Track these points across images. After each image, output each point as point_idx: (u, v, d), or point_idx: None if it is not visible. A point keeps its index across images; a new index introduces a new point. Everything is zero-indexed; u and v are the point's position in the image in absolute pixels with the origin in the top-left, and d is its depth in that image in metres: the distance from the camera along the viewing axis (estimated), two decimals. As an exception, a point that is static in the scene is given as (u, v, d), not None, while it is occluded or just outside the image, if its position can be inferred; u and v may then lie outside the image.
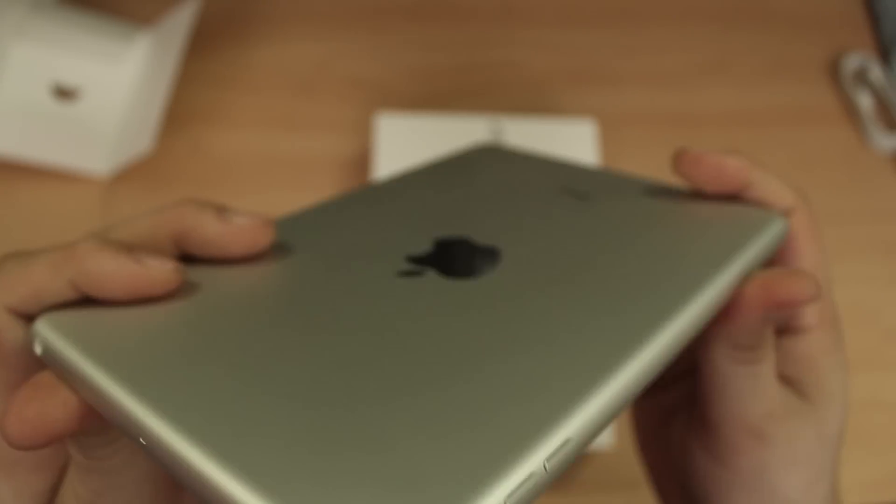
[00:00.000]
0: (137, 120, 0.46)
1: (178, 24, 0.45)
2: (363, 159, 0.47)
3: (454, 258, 0.20)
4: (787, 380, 0.22)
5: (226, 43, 0.51)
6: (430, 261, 0.20)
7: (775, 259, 0.22)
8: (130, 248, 0.16)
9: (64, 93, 0.46)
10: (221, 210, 0.18)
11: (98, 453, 0.17)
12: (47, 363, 0.15)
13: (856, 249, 0.46)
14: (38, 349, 0.15)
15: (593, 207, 0.24)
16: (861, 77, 0.52)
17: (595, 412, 0.14)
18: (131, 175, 0.46)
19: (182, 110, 0.48)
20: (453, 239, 0.21)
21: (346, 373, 0.15)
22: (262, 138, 0.48)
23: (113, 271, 0.16)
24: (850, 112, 0.51)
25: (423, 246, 0.21)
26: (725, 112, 0.51)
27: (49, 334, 0.15)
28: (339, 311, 0.17)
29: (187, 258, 0.19)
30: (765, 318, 0.19)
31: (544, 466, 0.13)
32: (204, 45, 0.51)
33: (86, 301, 0.16)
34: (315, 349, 0.16)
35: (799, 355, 0.22)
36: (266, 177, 0.47)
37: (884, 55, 0.53)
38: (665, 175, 0.48)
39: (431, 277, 0.19)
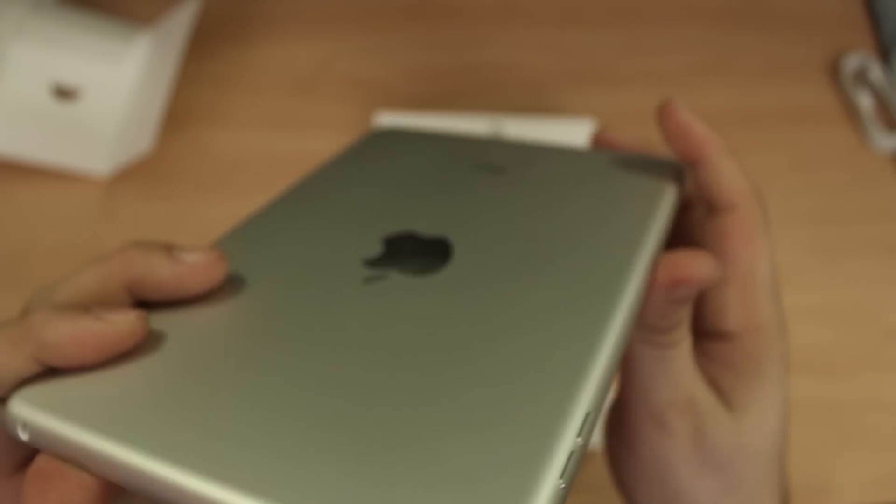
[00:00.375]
0: (137, 120, 0.46)
1: (178, 24, 0.45)
2: (363, 159, 0.47)
3: (408, 255, 0.20)
4: (714, 383, 0.21)
5: (226, 43, 0.51)
6: (387, 262, 0.20)
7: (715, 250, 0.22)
8: (86, 308, 0.16)
9: (64, 93, 0.46)
10: (170, 250, 0.17)
11: None
12: (37, 445, 0.15)
13: (856, 249, 0.46)
14: (22, 435, 0.15)
15: (515, 182, 0.24)
16: (861, 77, 0.52)
17: (598, 382, 0.15)
18: (131, 175, 0.46)
19: (182, 110, 0.48)
20: (400, 235, 0.22)
21: (354, 388, 0.15)
22: (262, 138, 0.48)
23: (74, 336, 0.15)
24: (850, 112, 0.51)
25: (374, 247, 0.21)
26: (725, 112, 0.51)
27: (31, 414, 0.14)
28: (321, 331, 0.17)
29: (142, 304, 0.18)
30: (669, 299, 0.19)
31: (577, 441, 0.13)
32: (204, 45, 0.51)
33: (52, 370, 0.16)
34: (310, 371, 0.16)
35: (724, 360, 0.21)
36: (266, 177, 0.47)
37: (884, 55, 0.53)
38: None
39: (396, 279, 0.19)
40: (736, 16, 0.55)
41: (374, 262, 0.20)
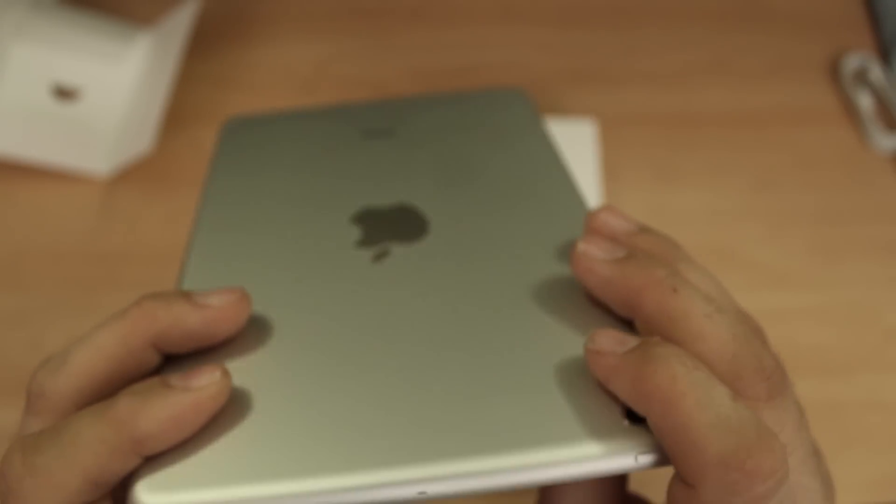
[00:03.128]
0: (137, 120, 0.46)
1: (178, 24, 0.45)
2: (363, 159, 0.47)
3: (388, 226, 0.22)
4: None
5: (226, 43, 0.51)
6: (376, 238, 0.21)
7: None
8: (163, 380, 0.15)
9: (64, 93, 0.46)
10: (189, 296, 0.17)
11: None
12: None
13: (856, 249, 0.46)
14: None
15: (412, 139, 0.26)
16: (861, 77, 0.52)
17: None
18: (131, 175, 0.46)
19: (182, 110, 0.48)
20: (364, 212, 0.22)
21: (428, 355, 0.17)
22: (262, 138, 0.48)
23: (172, 418, 0.14)
24: (850, 112, 0.51)
25: (351, 230, 0.22)
26: (725, 112, 0.51)
27: (180, 499, 0.14)
28: (367, 314, 0.18)
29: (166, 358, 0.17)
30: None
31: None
32: (204, 45, 0.51)
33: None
34: (382, 350, 0.17)
35: None
36: (266, 177, 0.47)
37: (884, 55, 0.53)
38: (665, 175, 0.48)
39: (398, 250, 0.20)
40: (736, 16, 0.55)
41: (364, 243, 0.21)
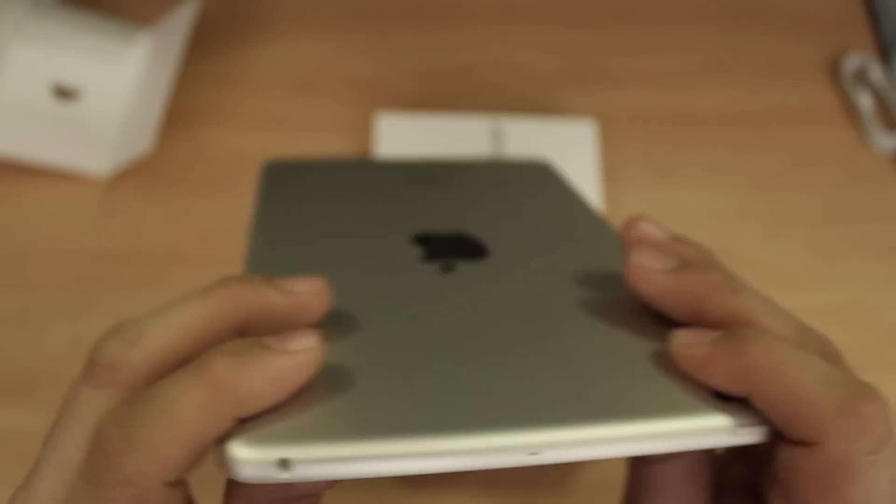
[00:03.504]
0: (137, 120, 0.46)
1: (178, 24, 0.45)
2: (363, 159, 0.47)
3: (448, 247, 0.22)
4: None
5: (226, 43, 0.51)
6: (439, 256, 0.21)
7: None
8: (258, 342, 0.14)
9: (64, 93, 0.46)
10: (275, 282, 0.16)
11: None
12: (301, 478, 0.13)
13: (856, 249, 0.46)
14: (284, 475, 0.13)
15: (453, 188, 0.27)
16: (861, 77, 0.52)
17: None
18: (131, 175, 0.46)
19: (182, 110, 0.48)
20: (422, 235, 0.23)
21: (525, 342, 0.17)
22: (263, 138, 0.48)
23: (270, 380, 0.14)
24: (850, 112, 0.51)
25: (414, 248, 0.22)
26: (725, 112, 0.51)
27: (291, 451, 0.13)
28: (453, 316, 0.18)
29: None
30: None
31: None
32: (204, 45, 0.51)
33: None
34: (480, 335, 0.18)
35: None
36: (266, 177, 0.47)
37: (884, 55, 0.53)
38: (665, 175, 0.48)
39: (464, 266, 0.21)
40: (736, 16, 0.55)
41: (428, 258, 0.21)
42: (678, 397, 0.15)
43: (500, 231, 0.24)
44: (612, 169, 0.47)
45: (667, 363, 0.16)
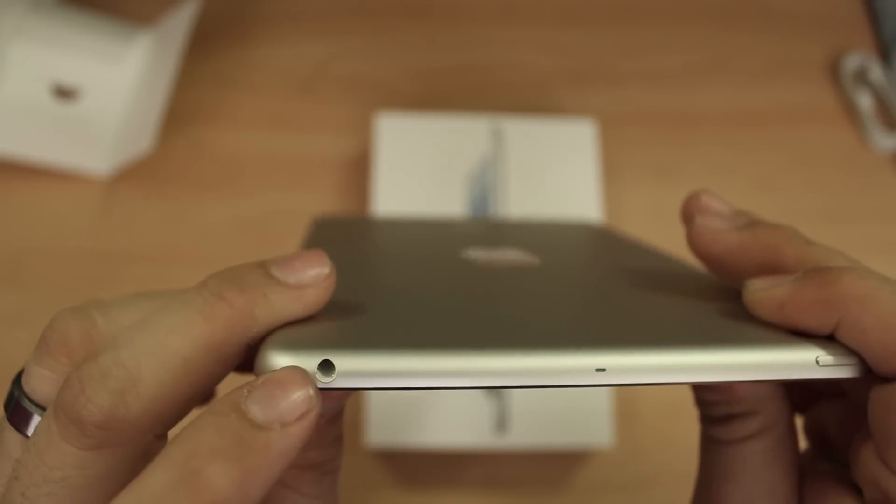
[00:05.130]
0: (137, 120, 0.46)
1: (178, 24, 0.45)
2: (363, 159, 0.47)
3: (507, 257, 0.22)
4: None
5: (226, 43, 0.51)
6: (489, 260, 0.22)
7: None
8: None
9: (64, 93, 0.46)
10: (280, 283, 0.14)
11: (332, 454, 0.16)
12: (344, 385, 0.13)
13: (856, 249, 0.46)
14: (326, 380, 0.12)
15: (508, 235, 0.28)
16: (861, 77, 0.52)
17: None
18: (131, 175, 0.46)
19: (182, 110, 0.48)
20: (483, 251, 0.23)
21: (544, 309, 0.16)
22: (263, 138, 0.48)
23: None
24: (850, 112, 0.51)
25: (464, 256, 0.22)
26: (725, 112, 0.51)
27: (337, 359, 0.12)
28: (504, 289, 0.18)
29: None
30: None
31: None
32: (204, 45, 0.51)
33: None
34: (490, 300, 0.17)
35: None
36: (266, 177, 0.47)
37: (884, 55, 0.53)
38: (665, 175, 0.48)
39: (510, 267, 0.21)
40: (736, 16, 0.55)
41: (477, 261, 0.21)
42: (758, 333, 0.15)
43: (548, 252, 0.23)
44: (611, 169, 0.47)
45: (742, 316, 0.16)
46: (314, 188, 0.46)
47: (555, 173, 0.42)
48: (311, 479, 0.16)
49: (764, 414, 0.17)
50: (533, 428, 0.36)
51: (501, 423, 0.36)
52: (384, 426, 0.35)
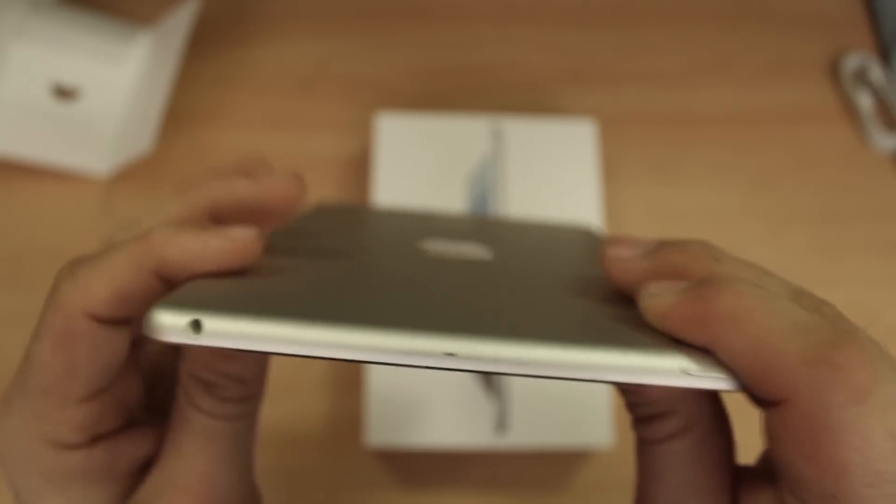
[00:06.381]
0: (137, 120, 0.46)
1: (178, 24, 0.45)
2: (363, 159, 0.47)
3: (464, 248, 0.23)
4: None
5: (226, 43, 0.51)
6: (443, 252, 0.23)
7: None
8: (202, 224, 0.17)
9: (64, 93, 0.46)
10: (248, 173, 0.18)
11: (232, 411, 0.17)
12: (212, 343, 0.14)
13: (856, 249, 0.46)
14: (191, 338, 0.14)
15: (486, 236, 0.28)
16: (861, 77, 0.52)
17: None
18: (131, 175, 0.46)
19: (182, 110, 0.48)
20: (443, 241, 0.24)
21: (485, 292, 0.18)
22: (263, 138, 0.48)
23: (196, 251, 0.16)
24: (850, 112, 0.51)
25: (421, 246, 0.23)
26: (725, 112, 0.51)
27: (204, 316, 0.14)
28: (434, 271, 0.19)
29: None
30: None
31: None
32: (204, 45, 0.51)
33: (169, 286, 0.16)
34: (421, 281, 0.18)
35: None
36: (266, 177, 0.47)
37: (884, 55, 0.53)
38: (665, 175, 0.48)
39: (462, 257, 0.22)
40: (736, 16, 0.55)
41: (430, 252, 0.22)
42: (641, 338, 0.14)
43: (513, 250, 0.24)
44: (612, 169, 0.47)
45: (635, 322, 0.16)
46: (314, 188, 0.46)
47: (555, 173, 0.42)
48: (216, 402, 0.17)
49: (682, 413, 0.17)
50: (533, 428, 0.36)
51: (501, 423, 0.36)
52: (384, 426, 0.35)
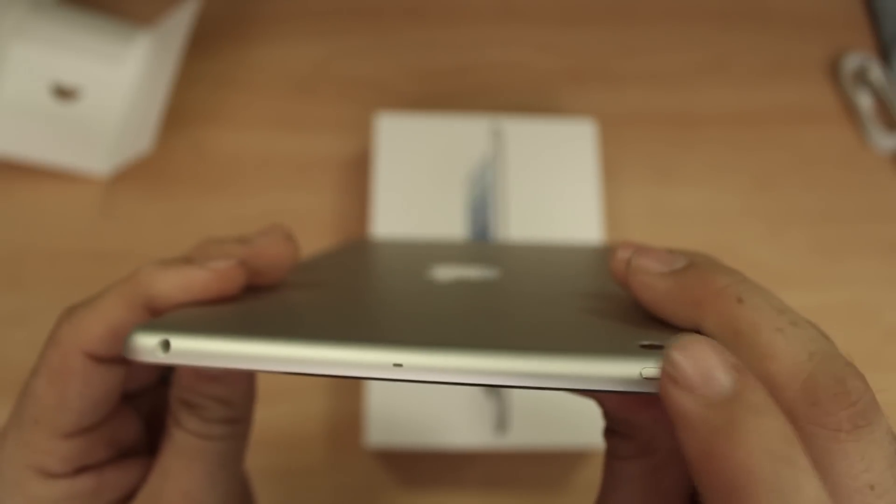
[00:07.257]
0: (137, 120, 0.46)
1: (178, 24, 0.45)
2: (363, 159, 0.47)
3: (472, 272, 0.24)
4: None
5: (226, 43, 0.51)
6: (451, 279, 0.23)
7: None
8: (186, 259, 0.17)
9: (64, 93, 0.46)
10: (242, 239, 0.19)
11: (217, 431, 0.18)
12: (182, 362, 0.15)
13: (856, 249, 0.46)
14: (161, 356, 0.15)
15: (506, 262, 0.29)
16: (861, 77, 0.52)
17: None
18: (131, 175, 0.46)
19: (182, 110, 0.48)
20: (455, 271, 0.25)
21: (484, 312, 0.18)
22: (262, 138, 0.48)
23: (181, 284, 0.17)
24: (850, 112, 0.51)
25: (430, 277, 0.24)
26: (725, 112, 0.51)
27: (174, 337, 0.15)
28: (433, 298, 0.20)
29: None
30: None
31: None
32: (204, 45, 0.51)
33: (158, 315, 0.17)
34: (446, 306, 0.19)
35: None
36: (266, 177, 0.47)
37: (884, 55, 0.53)
38: (665, 175, 0.48)
39: (467, 282, 0.22)
40: (736, 16, 0.55)
41: (439, 281, 0.23)
42: (595, 343, 0.14)
43: (522, 273, 0.25)
44: (611, 169, 0.47)
45: (613, 323, 0.16)
46: (314, 188, 0.46)
47: (555, 173, 0.42)
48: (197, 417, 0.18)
49: (639, 440, 0.16)
50: (533, 428, 0.36)
51: (501, 423, 0.36)
52: (384, 426, 0.35)
